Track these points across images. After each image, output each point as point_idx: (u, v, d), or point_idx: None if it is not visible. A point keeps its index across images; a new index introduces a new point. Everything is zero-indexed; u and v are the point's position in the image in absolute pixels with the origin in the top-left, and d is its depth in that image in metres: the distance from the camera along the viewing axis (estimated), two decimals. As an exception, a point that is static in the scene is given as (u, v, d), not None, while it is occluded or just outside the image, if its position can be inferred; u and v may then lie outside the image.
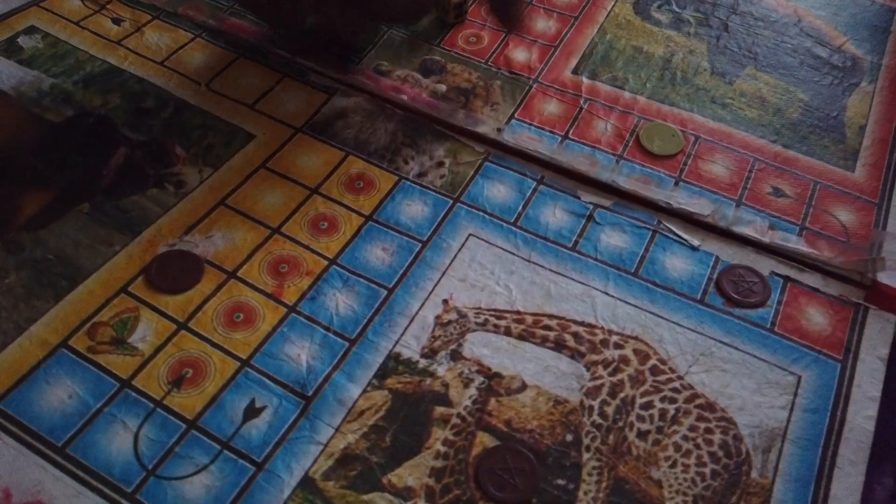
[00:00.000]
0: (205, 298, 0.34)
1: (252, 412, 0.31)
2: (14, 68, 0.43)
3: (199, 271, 0.35)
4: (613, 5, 0.50)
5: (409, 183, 0.40)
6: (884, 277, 0.36)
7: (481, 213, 0.39)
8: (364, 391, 0.32)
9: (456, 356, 0.33)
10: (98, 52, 0.45)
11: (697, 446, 0.31)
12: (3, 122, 0.40)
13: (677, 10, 0.50)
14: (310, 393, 0.31)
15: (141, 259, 0.35)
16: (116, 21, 0.47)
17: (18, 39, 0.45)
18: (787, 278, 0.36)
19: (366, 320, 0.34)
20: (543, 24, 0.49)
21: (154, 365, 0.31)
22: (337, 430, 0.30)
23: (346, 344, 0.33)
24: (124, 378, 0.31)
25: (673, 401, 0.32)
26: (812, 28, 0.48)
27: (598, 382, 0.33)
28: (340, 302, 0.35)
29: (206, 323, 0.33)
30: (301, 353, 0.33)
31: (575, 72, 0.46)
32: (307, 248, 0.36)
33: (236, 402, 0.31)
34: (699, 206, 0.39)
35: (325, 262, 0.36)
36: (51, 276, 0.34)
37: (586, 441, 0.31)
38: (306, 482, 0.29)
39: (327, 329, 0.34)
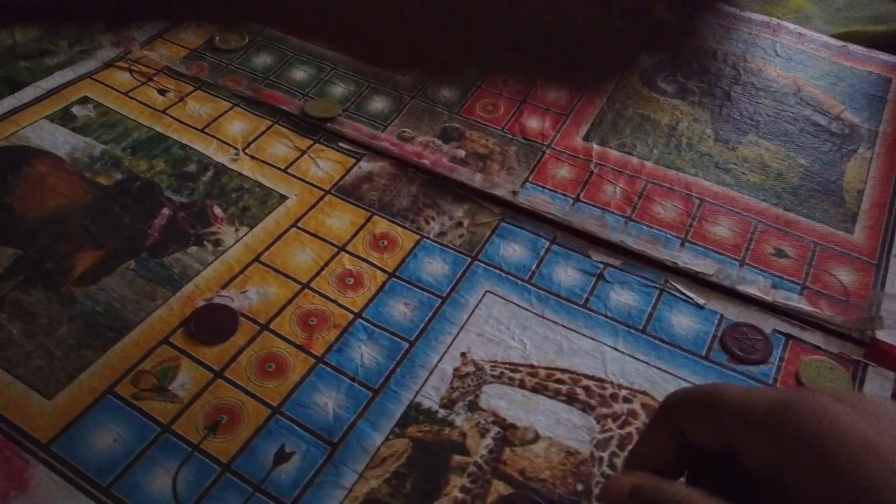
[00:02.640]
0: (239, 349, 0.36)
1: (282, 457, 0.33)
2: (68, 136, 0.47)
3: (235, 324, 0.37)
4: (622, 76, 0.53)
5: (429, 242, 0.43)
6: (882, 335, 0.38)
7: (497, 271, 0.41)
8: (386, 439, 0.34)
9: (473, 407, 0.35)
10: (145, 121, 0.49)
11: (703, 497, 0.32)
12: (58, 186, 0.44)
13: (682, 80, 0.53)
14: (336, 440, 0.33)
15: (181, 312, 0.38)
16: (162, 92, 0.52)
17: (73, 109, 0.50)
18: (788, 336, 0.38)
19: (388, 371, 0.36)
20: (555, 94, 0.52)
21: (192, 411, 0.34)
22: (361, 475, 0.32)
23: (370, 394, 0.35)
24: (165, 423, 0.33)
25: (680, 452, 0.34)
26: (811, 97, 0.51)
27: (608, 435, 0.35)
28: (365, 354, 0.37)
29: (241, 372, 0.36)
30: (328, 401, 0.35)
31: (585, 138, 0.49)
32: (335, 302, 0.39)
33: (267, 448, 0.33)
34: (704, 266, 0.41)
35: (351, 316, 0.38)
36: (99, 327, 0.37)
37: (596, 491, 0.33)
38: (331, 525, 0.31)
39: (353, 379, 0.36)
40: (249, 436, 0.33)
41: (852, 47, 0.56)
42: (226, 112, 0.50)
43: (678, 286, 0.40)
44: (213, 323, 0.37)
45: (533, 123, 0.50)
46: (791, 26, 0.57)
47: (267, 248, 0.41)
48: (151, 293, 0.39)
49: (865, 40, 0.56)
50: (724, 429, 0.22)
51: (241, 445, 0.33)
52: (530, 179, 0.46)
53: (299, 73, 0.54)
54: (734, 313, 0.39)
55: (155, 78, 0.53)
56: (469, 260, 0.42)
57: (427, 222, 0.44)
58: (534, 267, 0.41)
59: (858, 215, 0.44)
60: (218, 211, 0.43)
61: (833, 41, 0.56)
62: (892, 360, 0.37)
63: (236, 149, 0.48)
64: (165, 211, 0.43)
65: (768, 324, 0.39)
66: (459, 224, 0.44)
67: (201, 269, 0.40)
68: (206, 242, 0.42)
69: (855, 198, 0.45)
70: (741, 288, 0.40)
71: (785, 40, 0.56)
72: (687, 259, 0.41)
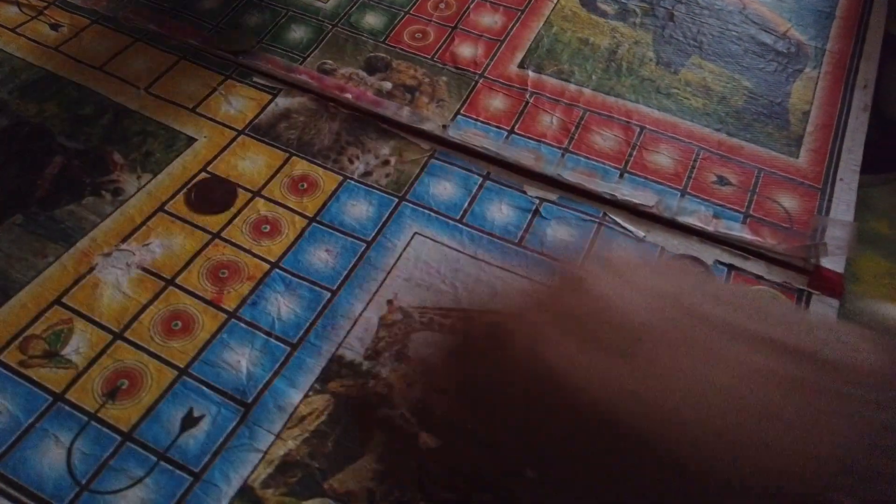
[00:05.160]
0: (141, 307, 0.33)
1: (189, 422, 0.30)
2: (-54, 78, 0.42)
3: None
4: (560, -2, 0.50)
5: (353, 183, 0.39)
6: (826, 262, 0.36)
7: (427, 212, 0.38)
8: (305, 396, 0.31)
9: (400, 356, 0.33)
10: (35, 60, 0.44)
11: (641, 438, 0.31)
12: (-68, 134, 0.39)
13: (623, 0, 0.49)
14: (249, 400, 0.31)
15: (75, 270, 0.34)
16: (54, 27, 0.46)
17: (-49, 48, 0.44)
18: (731, 266, 0.36)
19: (308, 324, 0.34)
20: (489, 19, 0.48)
21: (88, 377, 0.31)
22: (277, 436, 0.30)
23: (288, 349, 0.33)
24: (57, 392, 0.30)
25: (617, 393, 0.32)
26: (757, 15, 0.49)
27: (543, 378, 0.33)
28: (282, 306, 0.34)
29: (143, 332, 0.32)
30: (241, 359, 0.32)
31: (521, 66, 0.45)
32: (248, 252, 0.36)
33: (173, 412, 0.30)
34: (644, 197, 0.39)
35: (267, 266, 0.35)
36: (-19, 290, 0.33)
37: (530, 437, 0.31)
38: (245, 491, 0.28)
39: (268, 334, 0.33)
40: (153, 401, 0.30)
41: (800, -39, 0.53)
42: (127, 47, 0.46)
43: (617, 219, 0.38)
44: (111, 280, 0.34)
45: (465, 51, 0.46)
46: (738, -60, 0.54)
47: (173, 196, 0.38)
48: (41, 250, 0.35)
49: (814, -46, 0.53)
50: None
51: (144, 412, 0.30)
52: (462, 112, 0.43)
53: (209, 2, 0.49)
54: (675, 245, 0.37)
55: (46, 12, 0.48)
56: (396, 200, 0.39)
57: (351, 162, 0.40)
58: (466, 205, 0.39)
59: (803, 138, 0.42)
60: (118, 157, 0.39)
61: (781, -45, 0.53)
62: (835, 286, 0.36)
63: (138, 88, 0.43)
64: (58, 159, 0.39)
65: (710, 255, 0.37)
66: (386, 162, 0.41)
67: (98, 221, 0.36)
68: (103, 192, 0.38)
69: (800, 120, 0.43)
70: (682, 219, 0.38)
71: (731, -45, 0.53)
72: (626, 191, 0.39)
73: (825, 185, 0.40)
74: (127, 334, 0.32)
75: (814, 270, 0.36)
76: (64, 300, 0.33)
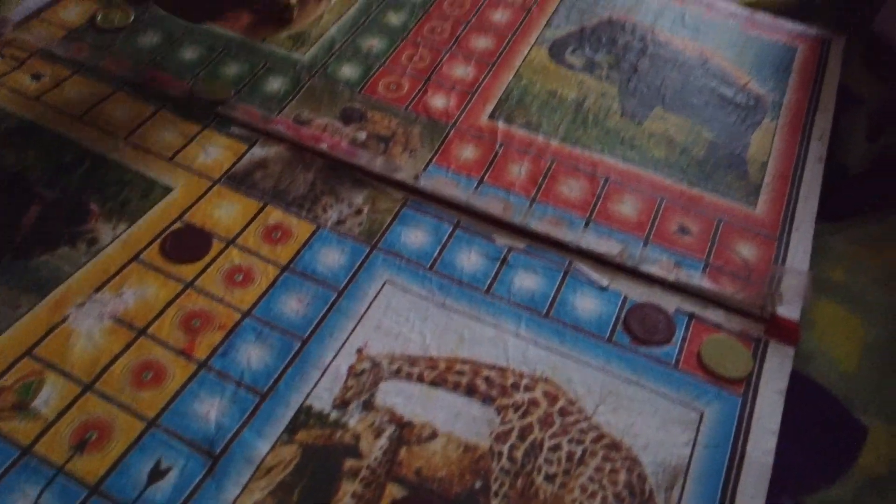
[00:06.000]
0: (113, 357, 0.34)
1: (157, 474, 0.30)
2: (-74, 127, 0.43)
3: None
4: (529, 50, 0.52)
5: (326, 231, 0.40)
6: (782, 310, 0.38)
7: (398, 260, 0.39)
8: (273, 447, 0.32)
9: (368, 406, 0.34)
10: (15, 109, 0.45)
11: (603, 487, 0.32)
12: (-90, 184, 0.40)
13: (590, 53, 0.51)
14: (217, 451, 0.31)
15: (48, 320, 0.35)
16: (36, 77, 0.47)
17: (-67, 97, 0.45)
18: (691, 315, 0.38)
19: (278, 373, 0.34)
20: (462, 70, 0.50)
21: (57, 429, 0.31)
22: (244, 488, 0.30)
23: (257, 399, 0.33)
24: (25, 445, 0.31)
25: (580, 442, 0.33)
26: (718, 68, 0.51)
27: (508, 427, 0.33)
28: (253, 356, 0.35)
29: (114, 383, 0.33)
30: (210, 410, 0.33)
31: (492, 116, 0.47)
32: (221, 301, 0.37)
33: (141, 464, 0.31)
34: (608, 246, 0.40)
35: (239, 316, 0.36)
36: (-47, 341, 0.33)
37: (494, 487, 0.31)
38: (210, 544, 0.29)
39: (238, 384, 0.34)
40: (121, 453, 0.31)
41: (759, 15, 0.55)
42: (107, 97, 0.47)
43: (582, 268, 0.39)
44: (83, 330, 0.34)
45: (438, 102, 0.48)
46: (701, -5, 0.57)
47: (148, 245, 0.39)
48: (14, 300, 0.35)
49: (773, 7, 0.56)
50: None
51: (112, 464, 0.30)
52: (434, 161, 0.44)
53: (189, 53, 0.50)
54: (638, 294, 0.38)
55: (29, 61, 0.49)
56: (368, 249, 0.40)
57: (325, 210, 0.42)
58: (436, 254, 0.40)
59: (761, 188, 0.44)
60: (94, 206, 0.40)
61: (740, 10, 0.56)
62: (791, 334, 0.37)
63: (117, 137, 0.44)
64: (34, 208, 0.40)
65: (671, 303, 0.38)
66: (359, 211, 0.42)
67: (73, 271, 0.37)
68: (79, 242, 0.38)
69: (758, 170, 0.45)
70: (644, 268, 0.39)
71: (693, 10, 0.55)
72: (591, 240, 0.40)
73: (782, 234, 0.41)
74: (97, 385, 0.33)
75: (770, 319, 0.37)
76: (35, 352, 0.34)
